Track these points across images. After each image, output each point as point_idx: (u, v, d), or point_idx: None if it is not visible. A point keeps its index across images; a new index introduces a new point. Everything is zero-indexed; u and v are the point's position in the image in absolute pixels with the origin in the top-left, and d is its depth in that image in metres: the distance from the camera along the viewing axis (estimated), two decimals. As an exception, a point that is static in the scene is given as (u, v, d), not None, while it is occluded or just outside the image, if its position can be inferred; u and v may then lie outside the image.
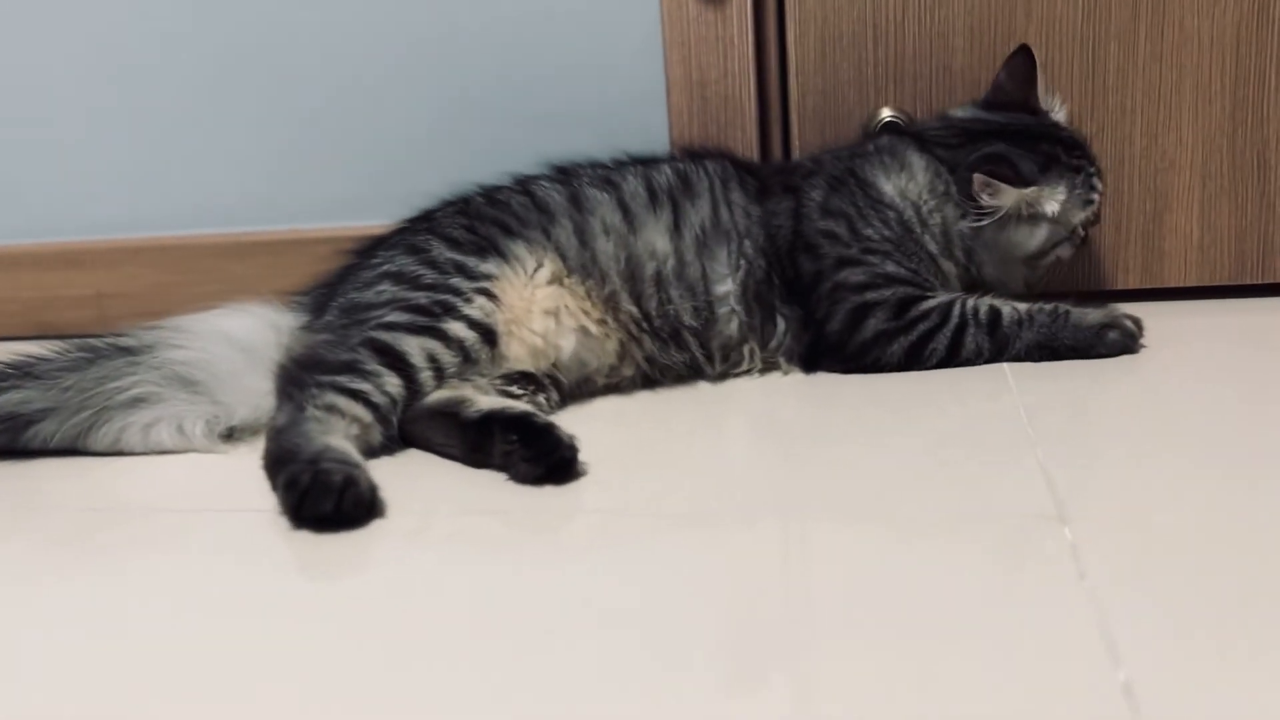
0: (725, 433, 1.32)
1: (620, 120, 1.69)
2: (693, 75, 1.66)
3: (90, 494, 1.20)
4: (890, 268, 1.43)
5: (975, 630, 0.81)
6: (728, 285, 1.43)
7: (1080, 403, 1.29)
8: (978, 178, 1.41)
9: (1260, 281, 1.65)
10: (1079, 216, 1.49)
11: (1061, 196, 1.45)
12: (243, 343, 1.35)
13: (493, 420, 1.16)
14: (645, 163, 1.52)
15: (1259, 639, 0.78)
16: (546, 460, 1.11)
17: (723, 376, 1.45)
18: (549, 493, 1.11)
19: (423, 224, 1.44)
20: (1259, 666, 0.74)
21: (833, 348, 1.43)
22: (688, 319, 1.41)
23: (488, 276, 1.34)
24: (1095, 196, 1.49)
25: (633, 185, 1.46)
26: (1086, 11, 1.58)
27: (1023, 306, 1.42)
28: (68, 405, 1.28)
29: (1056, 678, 0.74)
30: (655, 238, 1.42)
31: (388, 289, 1.35)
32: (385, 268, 1.38)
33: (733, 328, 1.43)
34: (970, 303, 1.42)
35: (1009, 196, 1.42)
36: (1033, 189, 1.42)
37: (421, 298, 1.32)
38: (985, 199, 1.42)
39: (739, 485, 1.13)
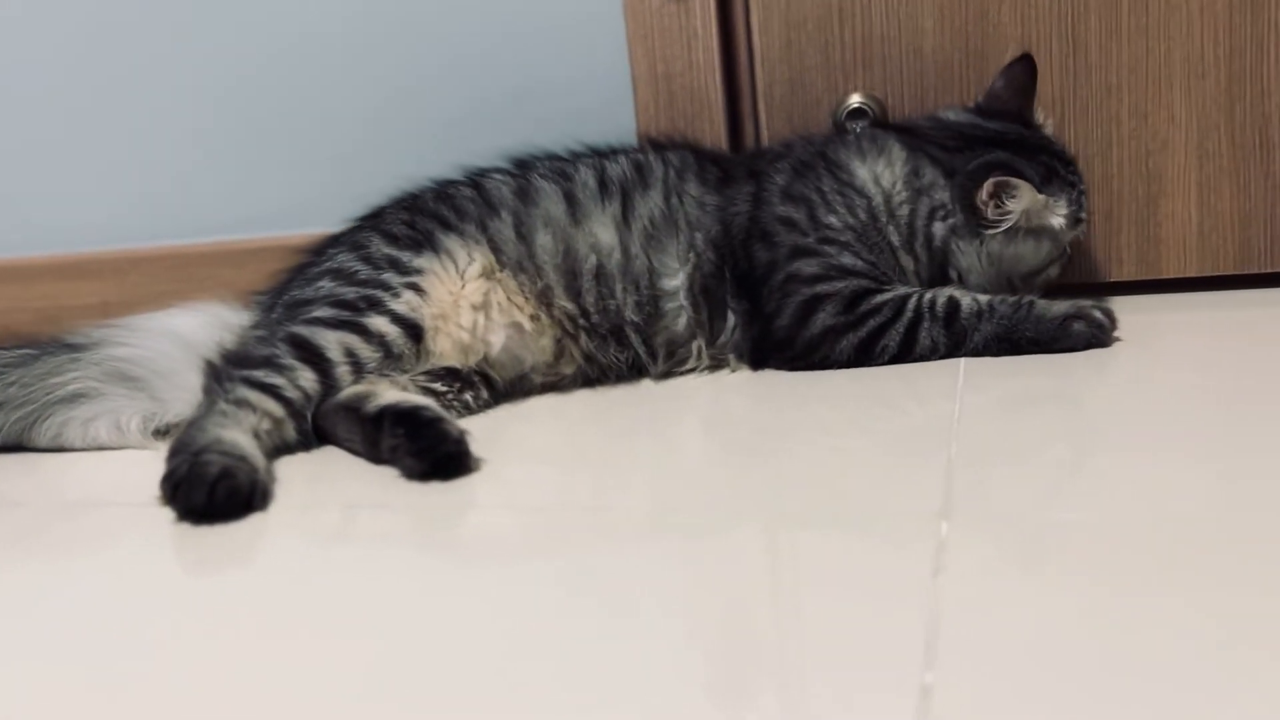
0: (650, 432, 1.27)
1: (586, 116, 1.67)
2: (657, 69, 1.62)
3: (18, 488, 1.23)
4: (847, 259, 1.36)
5: (809, 615, 0.77)
6: (677, 280, 1.38)
7: (1026, 401, 1.21)
8: (992, 183, 1.34)
9: (1269, 270, 1.52)
10: (1070, 235, 1.41)
11: (1064, 210, 1.38)
12: (186, 340, 1.37)
13: (385, 414, 1.15)
14: (604, 154, 1.49)
15: (1086, 660, 0.70)
16: (430, 455, 1.09)
17: (667, 375, 1.40)
18: (438, 489, 1.09)
19: (370, 220, 1.44)
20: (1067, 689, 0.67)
21: (781, 344, 1.37)
22: (630, 314, 1.37)
23: (418, 271, 1.33)
24: (1084, 216, 1.41)
25: (584, 176, 1.43)
26: (1063, -17, 1.50)
27: (984, 298, 1.34)
28: (11, 400, 1.32)
29: (860, 668, 0.69)
30: (600, 230, 1.39)
31: (325, 285, 1.35)
32: (327, 264, 1.39)
33: (680, 324, 1.38)
34: (927, 296, 1.34)
35: (1026, 198, 1.34)
36: (1044, 196, 1.35)
37: (350, 293, 1.31)
38: (996, 206, 1.35)
39: (648, 485, 1.09)
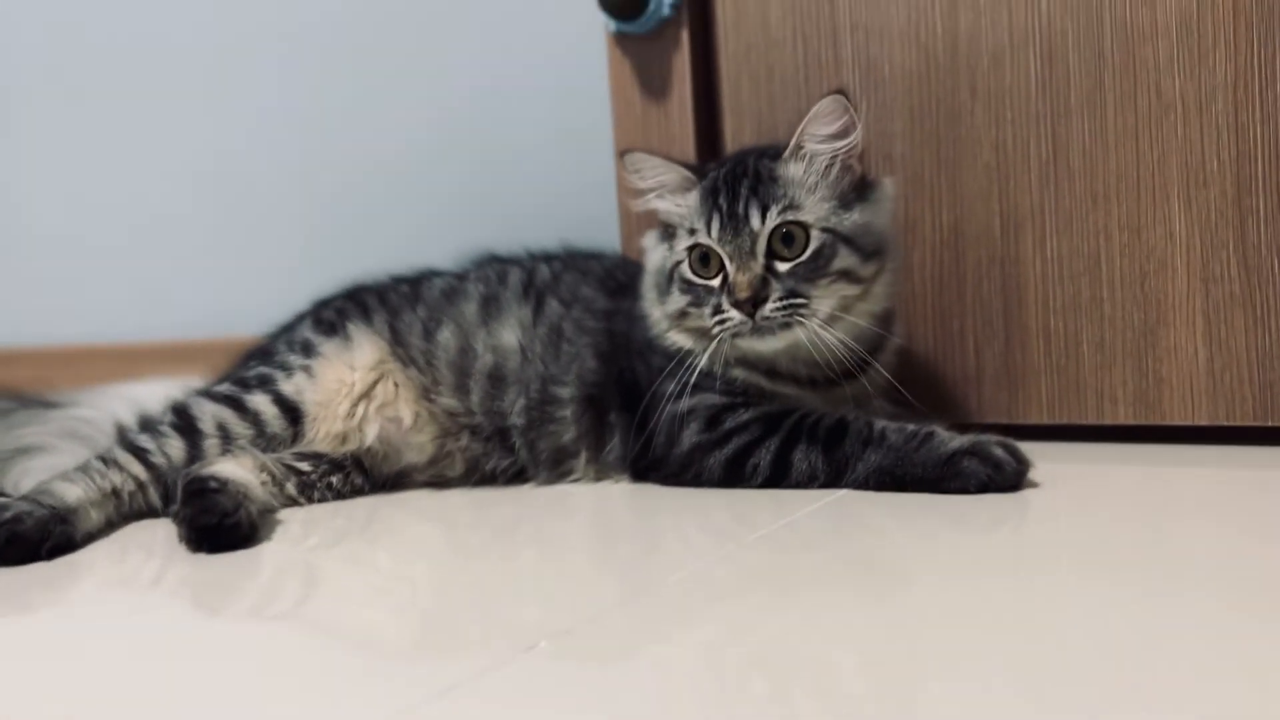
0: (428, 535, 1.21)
1: (573, 216, 1.66)
2: (637, 173, 1.59)
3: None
4: None
5: None
6: (569, 389, 1.33)
7: (843, 546, 1.03)
8: None
9: (1302, 423, 1.22)
10: None
11: None
12: (140, 405, 1.49)
13: (180, 482, 1.18)
14: (553, 257, 1.48)
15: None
16: (194, 523, 1.11)
17: (552, 482, 1.33)
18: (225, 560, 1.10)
19: (316, 304, 1.51)
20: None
21: (658, 460, 1.27)
22: (516, 418, 1.33)
23: (320, 355, 1.37)
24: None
25: (515, 278, 1.43)
26: (1041, 82, 1.31)
27: (881, 424, 1.18)
28: (-14, 449, 1.49)
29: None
30: (505, 332, 1.37)
31: (253, 362, 1.42)
32: (265, 344, 1.46)
33: (568, 435, 1.32)
34: (813, 416, 1.20)
35: None
36: None
37: (255, 371, 1.37)
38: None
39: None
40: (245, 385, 1.35)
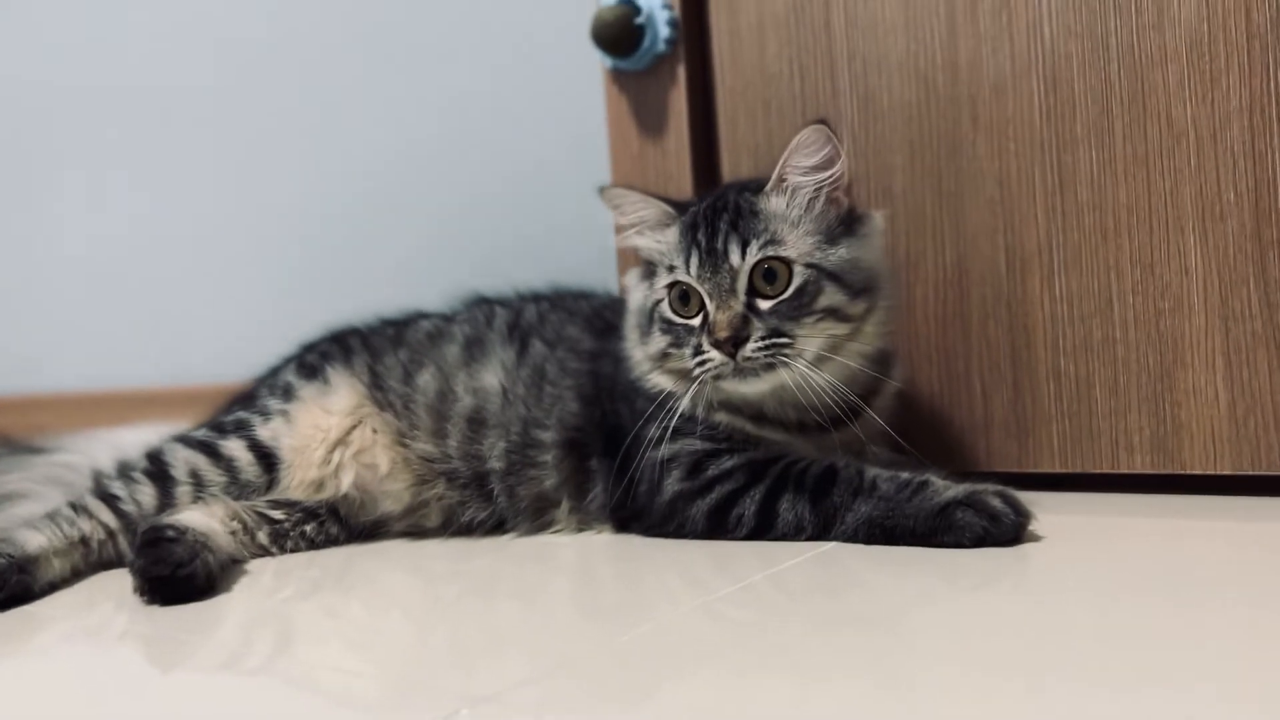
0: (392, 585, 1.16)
1: (570, 255, 1.62)
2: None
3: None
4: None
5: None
6: (550, 432, 1.27)
7: (828, 604, 0.96)
8: None
9: (1335, 472, 1.12)
10: None
11: None
12: (124, 452, 1.46)
13: (141, 531, 1.14)
14: (542, 297, 1.44)
15: None
16: (145, 573, 1.07)
17: (533, 533, 1.27)
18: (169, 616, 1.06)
19: (303, 347, 1.47)
20: None
21: (640, 510, 1.21)
22: (495, 462, 1.27)
23: (297, 399, 1.33)
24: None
25: (501, 319, 1.38)
26: (1045, 110, 1.24)
27: (873, 472, 1.10)
28: (-26, 494, 1.47)
29: None
30: (487, 374, 1.32)
31: (236, 407, 1.39)
32: (251, 388, 1.43)
33: (549, 480, 1.26)
34: (801, 464, 1.13)
35: None
36: None
37: (234, 416, 1.34)
38: None
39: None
40: (222, 430, 1.32)
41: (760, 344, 1.12)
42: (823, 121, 1.14)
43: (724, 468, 1.15)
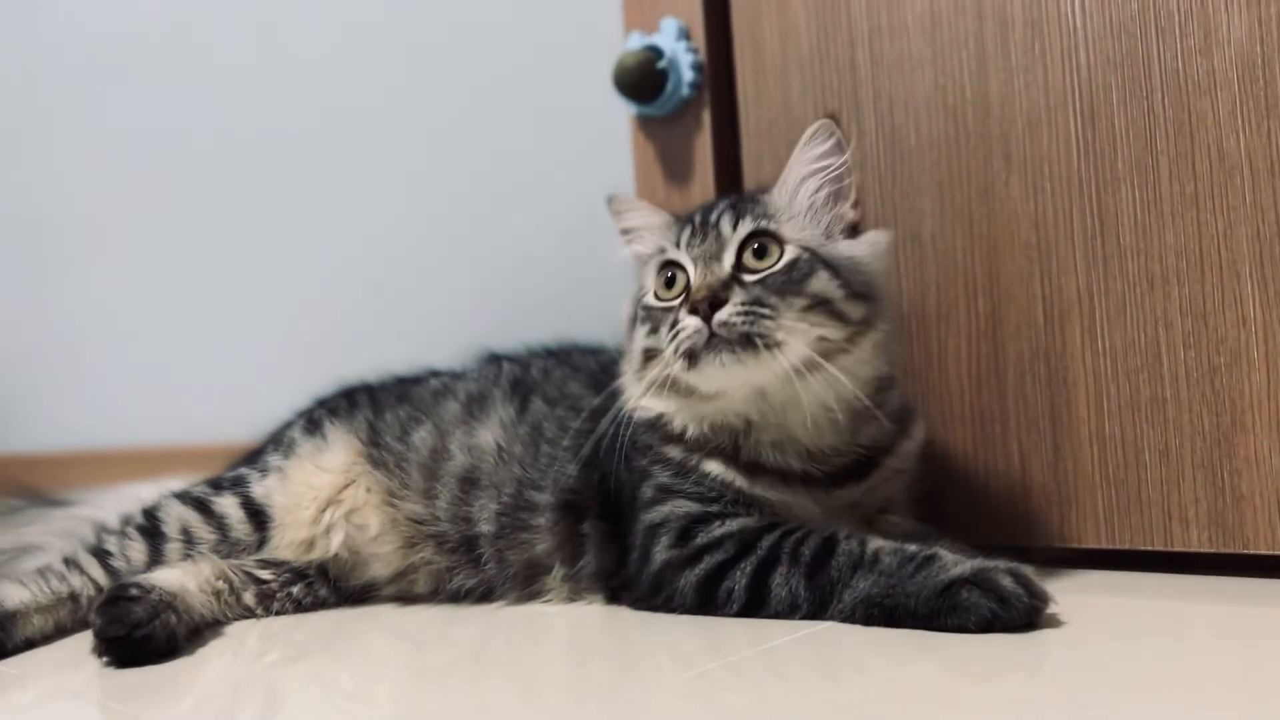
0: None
1: (596, 305, 1.56)
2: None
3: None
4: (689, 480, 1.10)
5: None
6: (545, 495, 1.19)
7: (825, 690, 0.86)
8: None
9: None
10: None
11: None
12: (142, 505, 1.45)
13: (107, 590, 1.11)
14: (550, 353, 1.38)
15: None
16: (102, 634, 1.03)
17: (522, 601, 1.19)
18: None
19: (316, 401, 1.44)
20: None
21: (630, 579, 1.12)
22: (485, 525, 1.20)
23: (295, 455, 1.30)
24: None
25: (508, 374, 1.33)
26: (1083, 146, 1.13)
27: (876, 544, 1.00)
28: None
29: None
30: (484, 431, 1.26)
31: (242, 462, 1.36)
32: (262, 442, 1.40)
33: (541, 545, 1.19)
34: (797, 534, 1.03)
35: None
36: None
37: (235, 471, 1.31)
38: None
39: None
40: (219, 486, 1.28)
41: (740, 309, 1.02)
42: (831, 116, 1.09)
43: (714, 535, 1.05)
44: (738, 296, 1.03)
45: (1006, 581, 0.92)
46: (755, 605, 1.02)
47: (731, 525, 1.05)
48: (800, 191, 1.10)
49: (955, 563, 0.95)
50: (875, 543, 1.00)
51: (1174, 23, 1.07)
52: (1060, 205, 1.15)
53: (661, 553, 1.08)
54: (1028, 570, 0.93)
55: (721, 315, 1.01)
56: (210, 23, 2.14)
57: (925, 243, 1.24)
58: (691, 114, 1.42)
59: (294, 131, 2.05)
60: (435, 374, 1.40)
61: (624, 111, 1.49)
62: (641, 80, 1.41)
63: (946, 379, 1.23)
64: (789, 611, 1.01)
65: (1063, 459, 1.15)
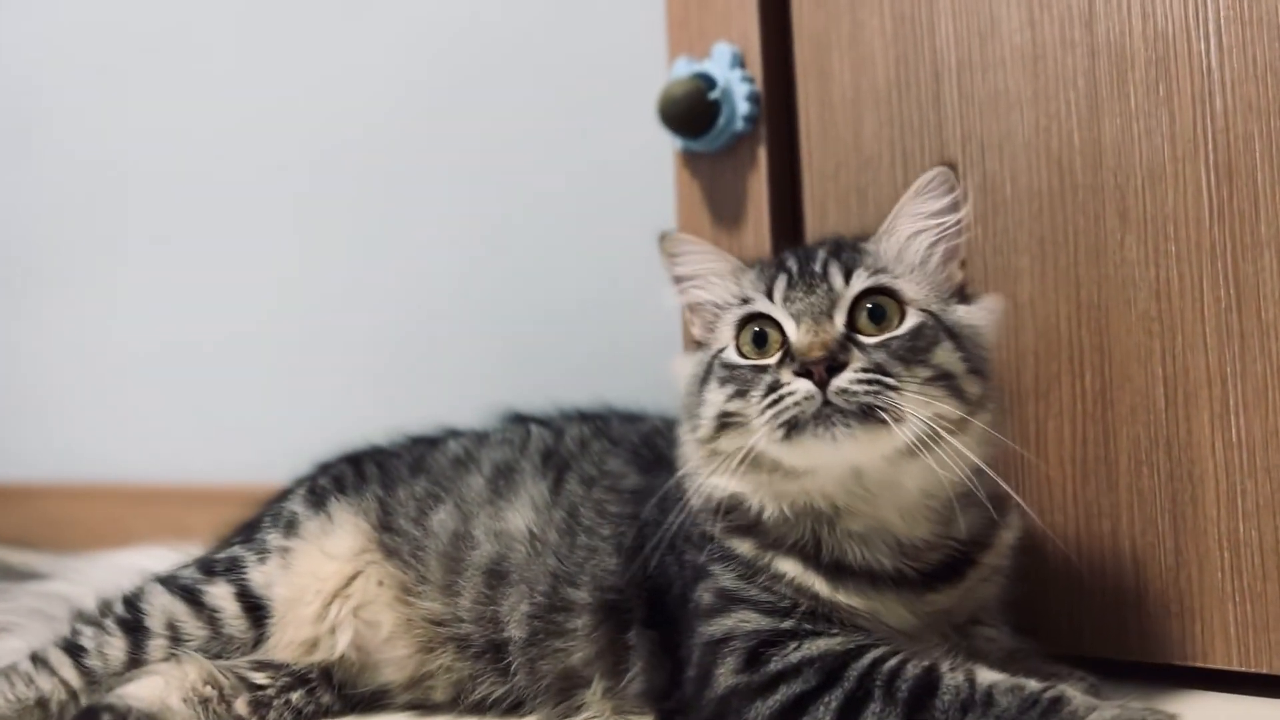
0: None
1: (638, 364, 1.41)
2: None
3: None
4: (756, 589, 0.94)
5: None
6: (583, 593, 1.03)
7: None
8: None
9: None
10: None
11: None
12: (122, 578, 1.29)
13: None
14: (586, 418, 1.22)
15: None
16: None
17: (559, 718, 1.03)
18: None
19: (319, 466, 1.28)
20: None
21: (687, 702, 0.96)
22: (515, 629, 1.04)
23: (299, 537, 1.14)
24: None
25: (538, 443, 1.17)
26: (1216, 205, 0.97)
27: (988, 680, 0.84)
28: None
29: None
30: (513, 513, 1.09)
31: (237, 536, 1.20)
32: (260, 510, 1.24)
33: (578, 654, 1.02)
34: (892, 661, 0.87)
35: None
36: None
37: (228, 552, 1.15)
38: None
39: None
40: (210, 572, 1.12)
41: (862, 375, 0.86)
42: (949, 164, 0.94)
43: (791, 661, 0.89)
44: (858, 361, 0.87)
45: None
46: None
47: (811, 648, 0.89)
48: (911, 247, 0.95)
49: (1090, 709, 0.79)
50: (986, 676, 0.84)
51: (1332, 65, 0.93)
52: (1188, 272, 0.99)
53: (727, 676, 0.91)
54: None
55: (840, 381, 0.86)
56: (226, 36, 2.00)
57: (1022, 306, 1.09)
58: (746, 150, 1.27)
59: (304, 166, 1.91)
60: (455, 434, 1.25)
61: (667, 146, 1.34)
62: (691, 112, 1.25)
63: (1045, 465, 1.07)
64: None
65: (1185, 565, 1.00)
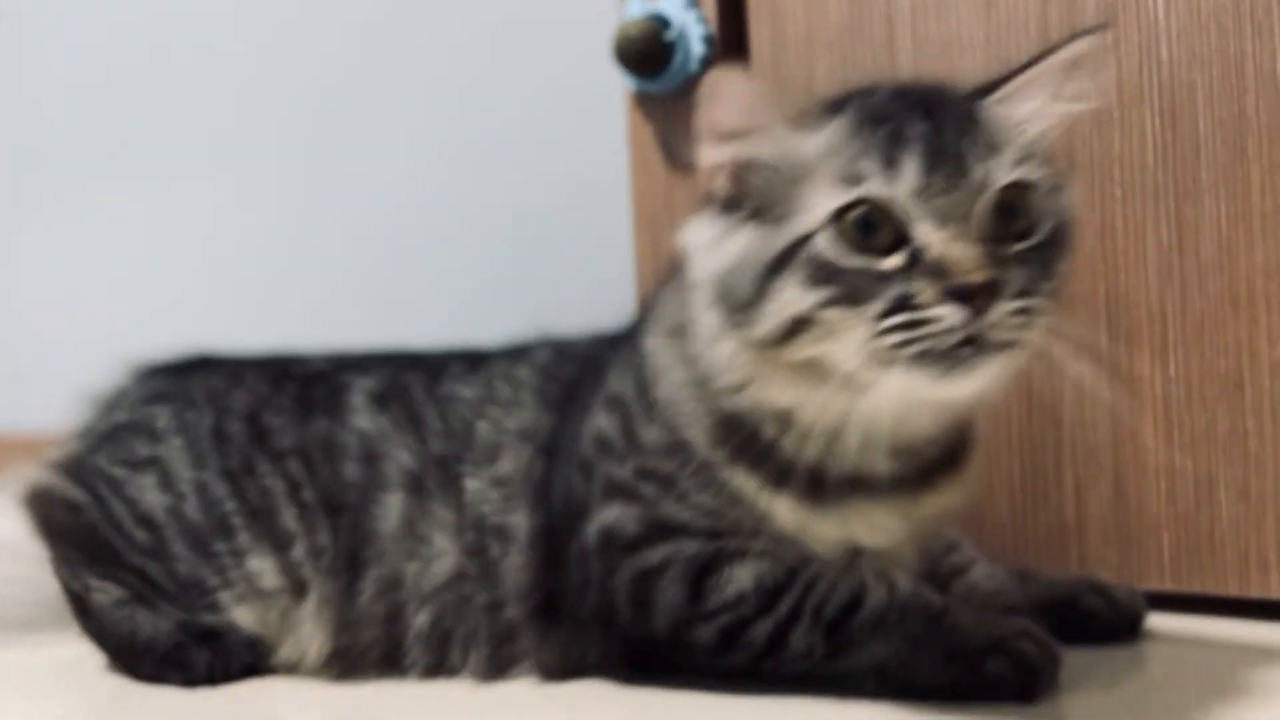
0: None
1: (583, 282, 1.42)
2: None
3: None
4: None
5: None
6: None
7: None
8: None
9: None
10: None
11: None
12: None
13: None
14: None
15: None
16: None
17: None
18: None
19: None
20: None
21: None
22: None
23: None
24: None
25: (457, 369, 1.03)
26: (1161, 150, 1.01)
27: (909, 594, 0.84)
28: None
29: None
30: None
31: None
32: None
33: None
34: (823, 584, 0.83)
35: None
36: None
37: None
38: None
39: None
40: None
41: (1015, 305, 0.73)
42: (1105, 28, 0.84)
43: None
44: (1012, 283, 0.73)
45: (1030, 648, 0.80)
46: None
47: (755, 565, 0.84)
48: (1035, 124, 0.80)
49: (982, 622, 0.82)
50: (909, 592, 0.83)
51: (1272, 19, 0.96)
52: (1132, 215, 1.04)
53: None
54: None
55: (997, 314, 0.72)
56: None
57: (972, 249, 1.12)
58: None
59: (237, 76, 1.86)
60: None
61: (617, 86, 1.34)
62: (646, 53, 1.25)
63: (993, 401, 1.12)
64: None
65: (1125, 494, 1.05)
